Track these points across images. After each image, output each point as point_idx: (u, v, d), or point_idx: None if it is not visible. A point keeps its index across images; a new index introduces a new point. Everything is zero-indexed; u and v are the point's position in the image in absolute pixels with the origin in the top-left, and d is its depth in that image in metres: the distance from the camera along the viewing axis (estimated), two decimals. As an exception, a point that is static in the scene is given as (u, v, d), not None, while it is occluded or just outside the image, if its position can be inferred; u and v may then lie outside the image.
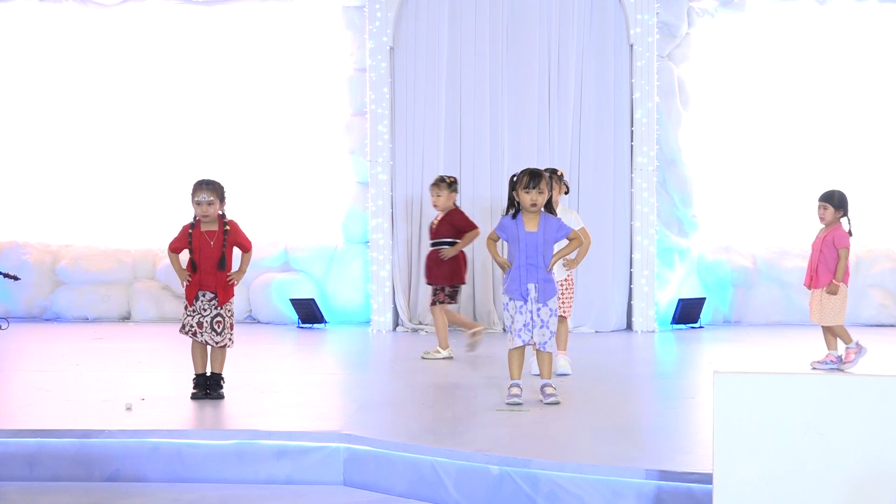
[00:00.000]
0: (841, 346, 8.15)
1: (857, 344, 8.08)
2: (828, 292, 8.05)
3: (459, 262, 9.18)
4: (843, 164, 11.91)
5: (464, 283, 9.35)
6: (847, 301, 8.16)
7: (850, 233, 8.14)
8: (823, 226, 8.20)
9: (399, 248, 11.52)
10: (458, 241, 9.13)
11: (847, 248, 8.06)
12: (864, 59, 12.05)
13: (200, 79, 12.48)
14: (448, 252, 9.08)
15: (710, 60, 11.98)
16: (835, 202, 8.15)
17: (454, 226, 9.18)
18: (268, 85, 12.37)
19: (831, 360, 8.09)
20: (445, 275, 9.12)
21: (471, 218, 9.48)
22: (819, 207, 8.20)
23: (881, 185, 12.01)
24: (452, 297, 9.19)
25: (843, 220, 8.17)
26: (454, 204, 9.32)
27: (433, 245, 9.25)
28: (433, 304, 9.19)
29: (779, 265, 11.81)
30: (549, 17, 11.40)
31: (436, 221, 9.30)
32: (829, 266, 8.08)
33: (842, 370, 7.93)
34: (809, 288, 8.24)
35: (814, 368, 8.03)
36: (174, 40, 12.52)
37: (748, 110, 12.05)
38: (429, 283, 9.27)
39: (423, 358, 9.07)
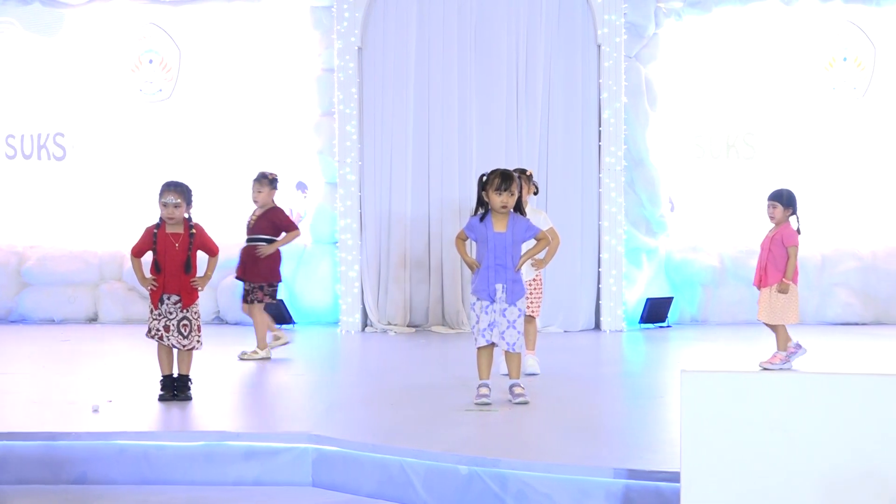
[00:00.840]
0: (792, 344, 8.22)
1: (797, 344, 8.13)
2: (778, 291, 8.11)
3: (276, 260, 9.11)
4: (810, 164, 12.02)
5: (280, 280, 9.23)
6: (798, 300, 8.21)
7: (798, 231, 8.20)
8: (774, 224, 8.27)
9: (367, 248, 11.50)
10: (274, 238, 9.08)
11: (796, 247, 8.11)
12: (829, 60, 12.14)
13: (167, 79, 12.41)
14: (266, 249, 8.98)
15: (677, 61, 12.04)
16: (784, 201, 8.21)
17: (274, 223, 9.11)
18: (235, 85, 12.31)
19: (784, 359, 8.14)
20: (263, 273, 9.02)
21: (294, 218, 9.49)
22: (769, 206, 8.26)
23: (847, 185, 12.11)
24: (272, 297, 9.11)
25: (792, 219, 8.23)
26: (273, 201, 9.23)
27: (249, 241, 9.11)
28: (250, 302, 9.03)
29: (746, 264, 11.85)
30: (517, 18, 11.43)
31: (253, 218, 9.18)
32: (777, 265, 8.13)
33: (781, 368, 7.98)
34: (759, 287, 8.29)
35: (764, 369, 8.02)
36: (141, 40, 12.44)
37: (715, 110, 12.12)
38: (241, 279, 9.12)
39: (241, 359, 8.95)
